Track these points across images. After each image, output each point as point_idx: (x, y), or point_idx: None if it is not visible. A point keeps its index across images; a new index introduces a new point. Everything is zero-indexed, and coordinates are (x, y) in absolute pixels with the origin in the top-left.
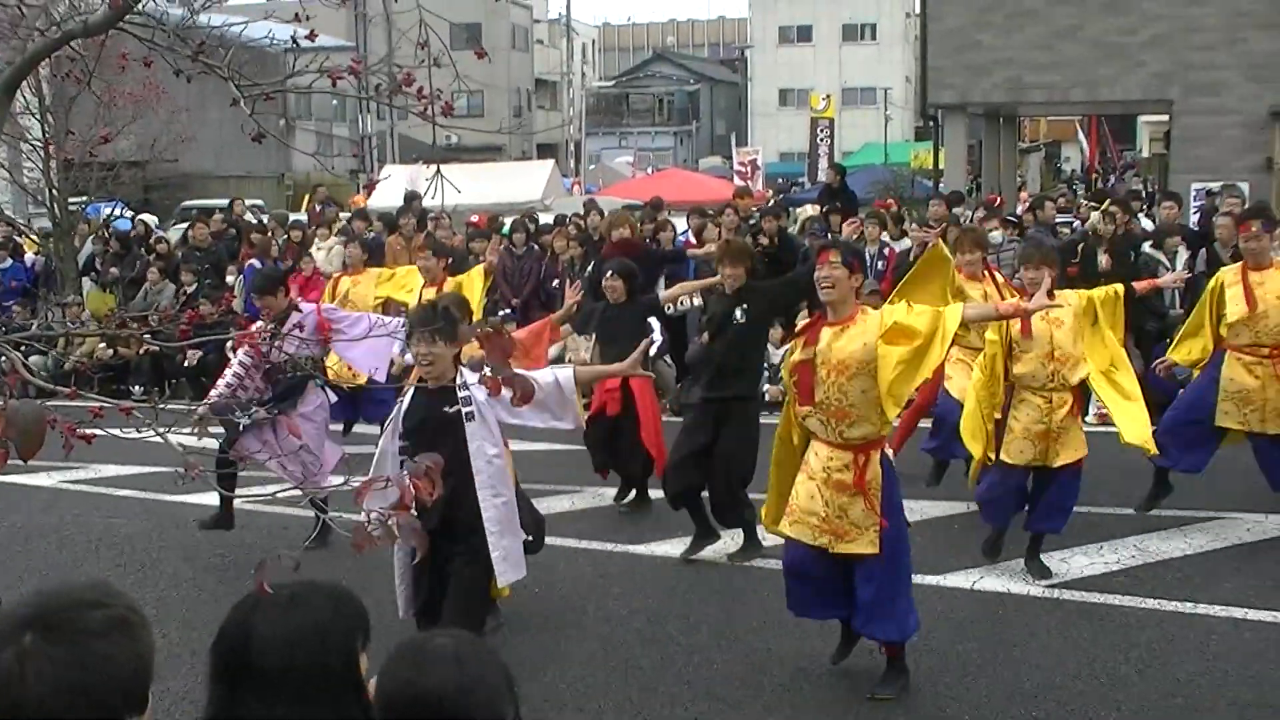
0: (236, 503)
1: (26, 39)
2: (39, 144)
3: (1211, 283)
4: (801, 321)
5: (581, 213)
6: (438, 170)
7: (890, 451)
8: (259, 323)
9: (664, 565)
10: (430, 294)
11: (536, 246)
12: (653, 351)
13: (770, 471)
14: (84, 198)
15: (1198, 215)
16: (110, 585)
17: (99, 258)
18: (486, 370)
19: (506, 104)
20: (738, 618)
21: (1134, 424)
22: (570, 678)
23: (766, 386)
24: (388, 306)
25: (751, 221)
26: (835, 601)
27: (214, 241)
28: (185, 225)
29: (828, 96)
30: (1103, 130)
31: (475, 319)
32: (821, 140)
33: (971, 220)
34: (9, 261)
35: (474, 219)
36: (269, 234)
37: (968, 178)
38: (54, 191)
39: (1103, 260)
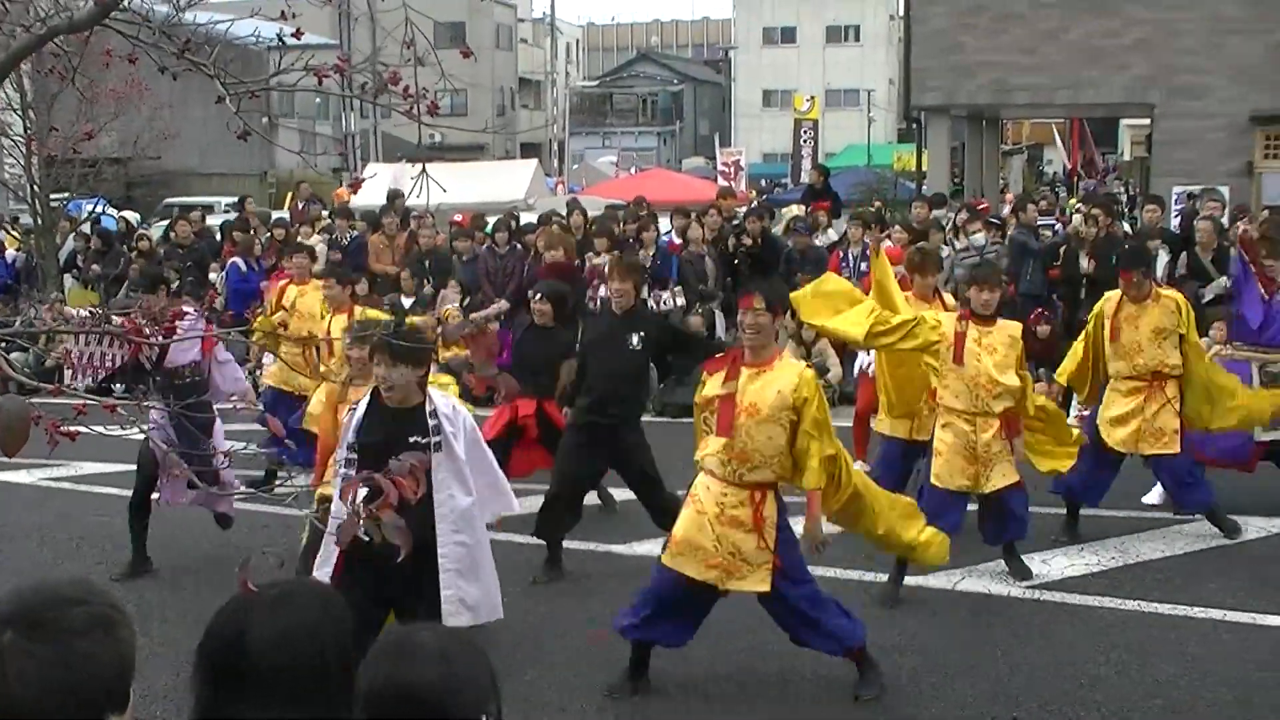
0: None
1: (10, 34)
2: (20, 140)
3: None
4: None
5: (564, 212)
6: (423, 169)
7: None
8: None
9: (645, 564)
10: (340, 321)
11: (519, 246)
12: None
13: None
14: (66, 194)
15: (1178, 219)
16: (92, 583)
17: (80, 254)
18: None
19: (490, 103)
20: (720, 616)
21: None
22: (553, 678)
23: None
24: None
25: (735, 222)
26: (687, 631)
27: (196, 239)
28: (166, 222)
29: (811, 98)
30: (1085, 133)
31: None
32: (805, 142)
33: (955, 222)
34: None
35: (457, 218)
36: (252, 232)
37: (951, 180)
38: (35, 188)
39: (1085, 263)
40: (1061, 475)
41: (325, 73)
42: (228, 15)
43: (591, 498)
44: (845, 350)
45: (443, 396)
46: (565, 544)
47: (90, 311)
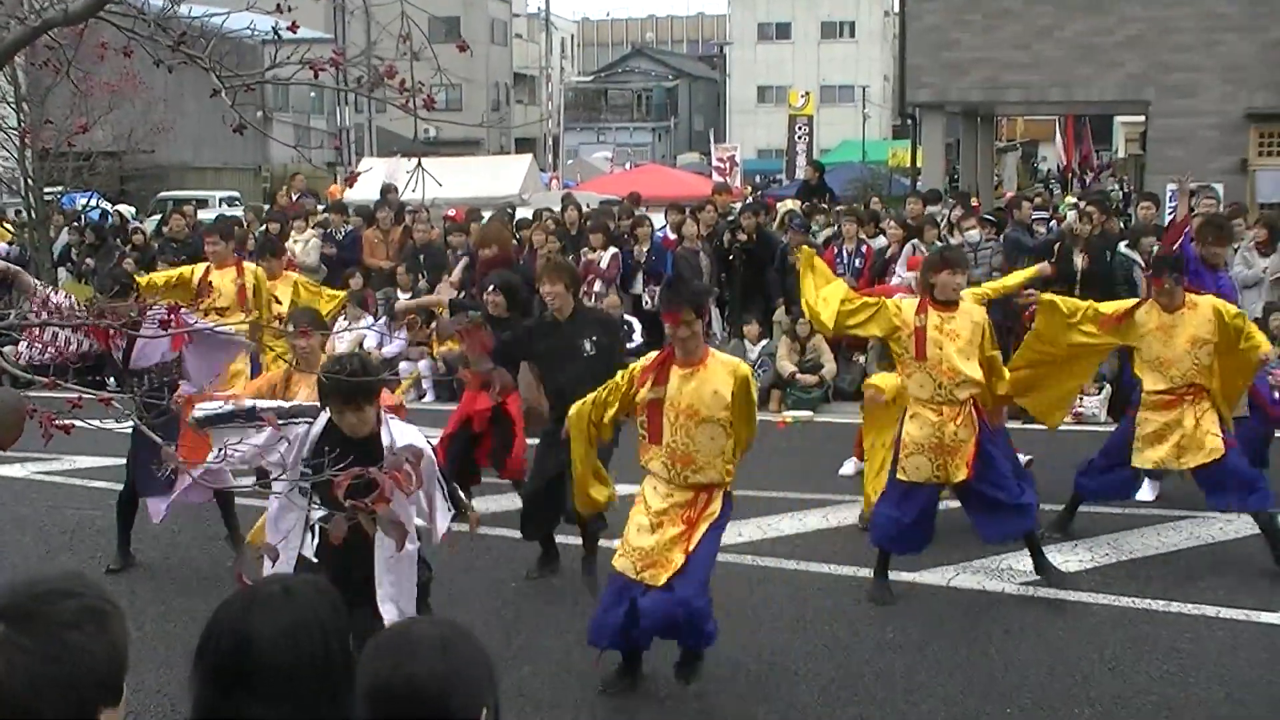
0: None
1: (4, 27)
2: (14, 133)
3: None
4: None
5: (559, 208)
6: (419, 164)
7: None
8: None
9: None
10: (222, 277)
11: (514, 241)
12: (631, 346)
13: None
14: (59, 188)
15: (1172, 216)
16: (83, 576)
17: (75, 248)
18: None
19: (485, 98)
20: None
21: None
22: (544, 674)
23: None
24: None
25: (730, 218)
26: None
27: (190, 233)
28: (158, 216)
29: (806, 94)
30: (1081, 130)
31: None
32: (800, 138)
33: (949, 218)
34: None
35: (451, 213)
36: (245, 226)
37: (948, 177)
38: (29, 181)
39: (1079, 260)
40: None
41: (321, 66)
42: (223, 8)
43: None
44: (840, 346)
45: (402, 428)
46: (559, 539)
47: (86, 304)
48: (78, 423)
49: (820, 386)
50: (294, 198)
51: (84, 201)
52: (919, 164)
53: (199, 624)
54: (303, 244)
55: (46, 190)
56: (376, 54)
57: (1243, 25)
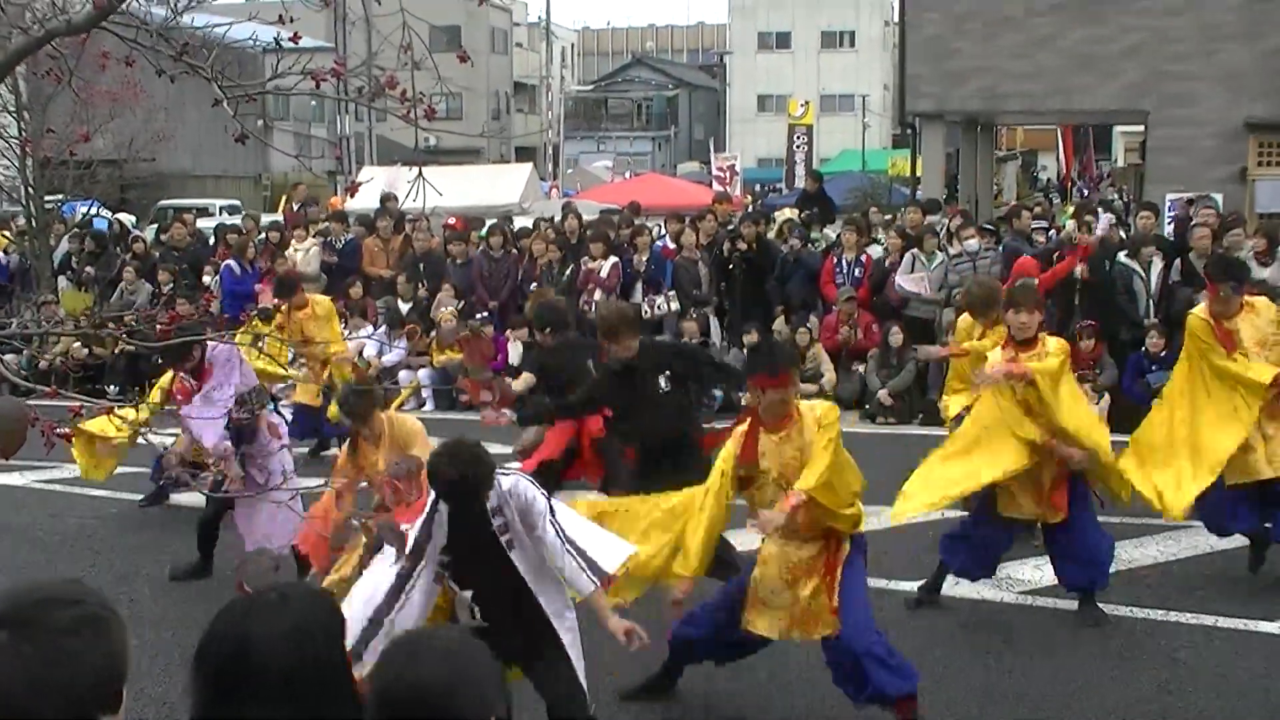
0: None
1: (7, 37)
2: (15, 142)
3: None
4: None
5: (559, 216)
6: (419, 173)
7: None
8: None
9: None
10: None
11: (514, 250)
12: None
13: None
14: (60, 196)
15: (1172, 225)
16: (82, 583)
17: (75, 256)
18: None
19: (485, 107)
20: None
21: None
22: None
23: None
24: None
25: (730, 227)
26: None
27: (192, 241)
28: (155, 225)
29: (806, 103)
30: (1081, 139)
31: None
32: (799, 147)
33: (948, 228)
34: None
35: (451, 221)
36: (245, 234)
37: (944, 187)
38: (30, 189)
39: (1079, 270)
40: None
41: (322, 76)
42: (225, 18)
43: None
44: (839, 356)
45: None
46: None
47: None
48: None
49: (820, 396)
50: (295, 207)
51: (84, 210)
52: (919, 173)
53: (199, 632)
54: (303, 253)
55: (47, 198)
56: (378, 64)
57: (1241, 34)
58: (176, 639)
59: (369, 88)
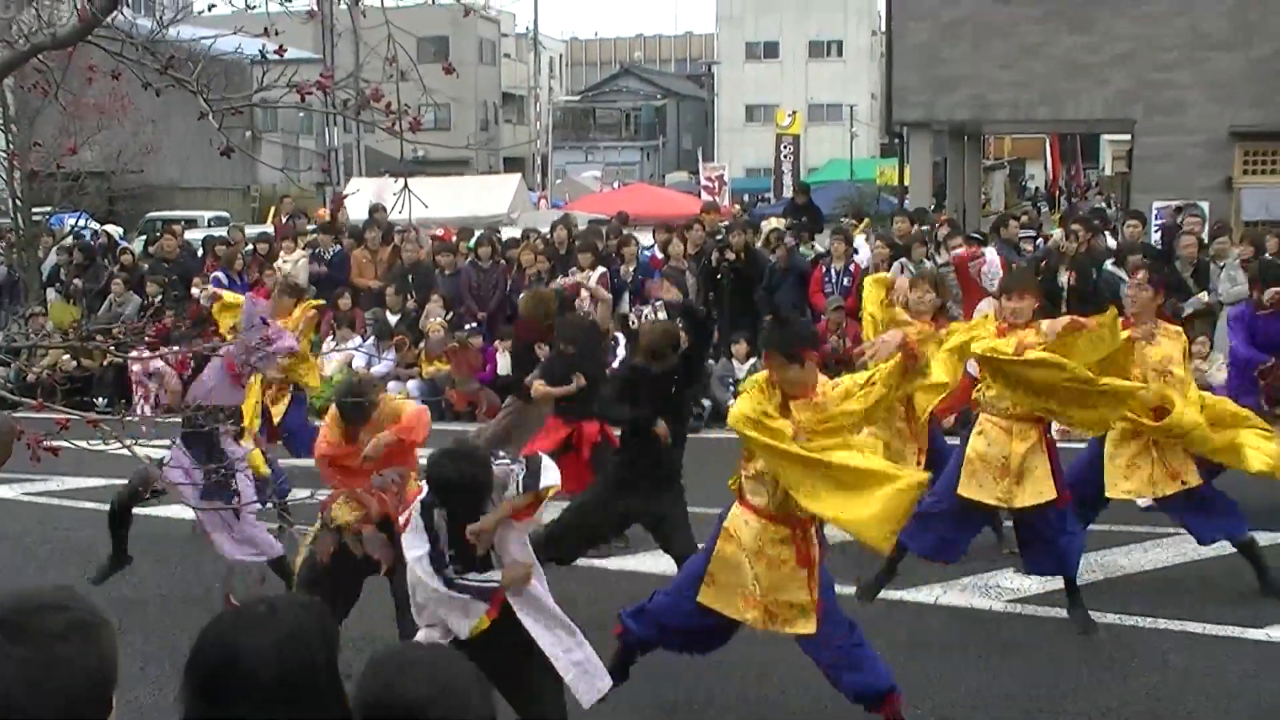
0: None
1: None
2: (3, 154)
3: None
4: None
5: (548, 228)
6: (405, 185)
7: None
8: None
9: (630, 579)
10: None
11: (502, 261)
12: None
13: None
14: (48, 208)
15: (1159, 233)
16: (73, 590)
17: (63, 268)
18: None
19: (473, 118)
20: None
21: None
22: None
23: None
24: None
25: (718, 237)
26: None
27: (180, 253)
28: (144, 237)
29: (794, 113)
30: (1068, 148)
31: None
32: (785, 157)
33: (935, 236)
34: None
35: (439, 232)
36: (233, 245)
37: (932, 195)
38: (17, 202)
39: (1065, 278)
40: None
41: (308, 89)
42: (211, 31)
43: None
44: (828, 365)
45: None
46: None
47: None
48: (65, 444)
49: None
50: (284, 219)
51: (73, 222)
52: (907, 182)
53: (189, 640)
54: (292, 264)
55: (35, 211)
56: (365, 76)
57: (1228, 43)
58: (166, 647)
59: (354, 100)
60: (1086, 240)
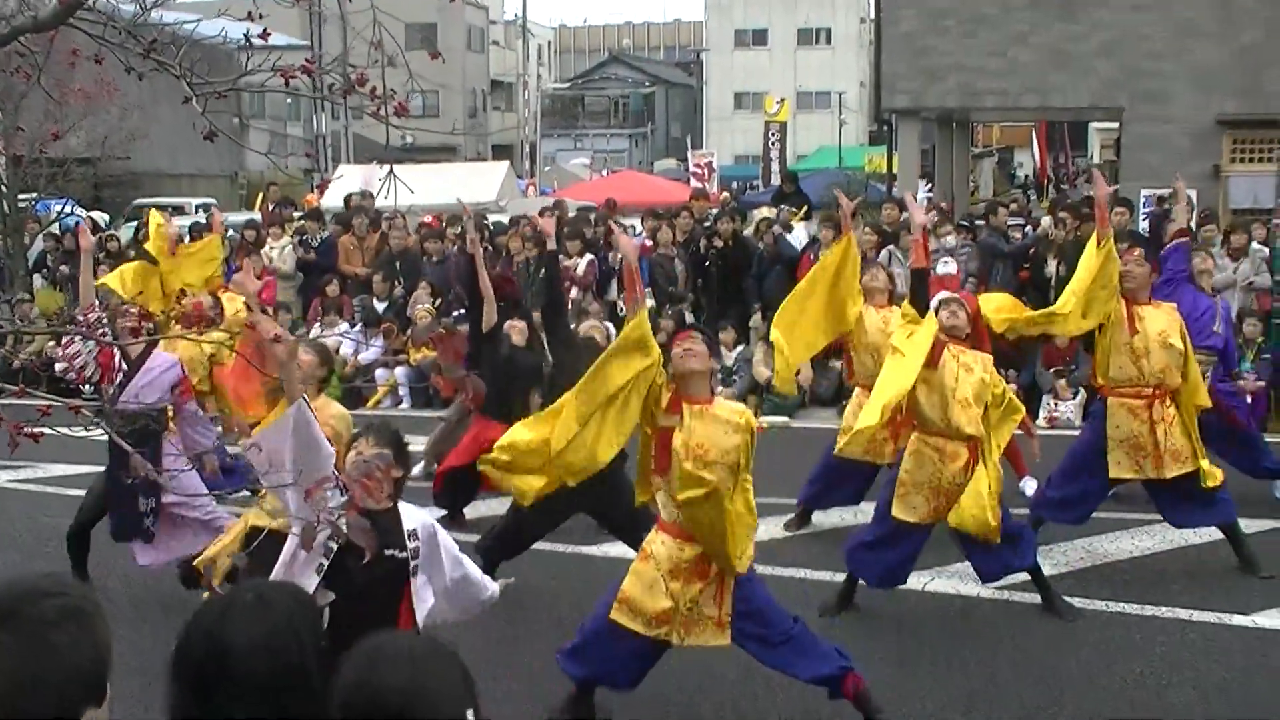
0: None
1: None
2: None
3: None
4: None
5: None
6: (390, 171)
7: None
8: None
9: (616, 566)
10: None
11: (490, 248)
12: None
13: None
14: (34, 194)
15: (1146, 221)
16: (64, 576)
17: (50, 255)
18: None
19: (462, 105)
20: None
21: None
22: (523, 679)
23: (720, 389)
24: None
25: (706, 224)
26: (634, 678)
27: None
28: (135, 223)
29: (782, 100)
30: (1055, 136)
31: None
32: (773, 144)
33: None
34: None
35: (427, 219)
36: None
37: (921, 183)
38: (3, 188)
39: (1053, 266)
40: None
41: (292, 74)
42: (194, 15)
43: None
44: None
45: (416, 512)
46: (537, 546)
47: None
48: (47, 430)
49: (799, 393)
50: (270, 207)
51: (59, 208)
52: (895, 170)
53: (179, 629)
54: (279, 250)
55: (21, 197)
56: (351, 62)
57: (1214, 32)
58: (156, 636)
59: (339, 85)
60: (1075, 228)
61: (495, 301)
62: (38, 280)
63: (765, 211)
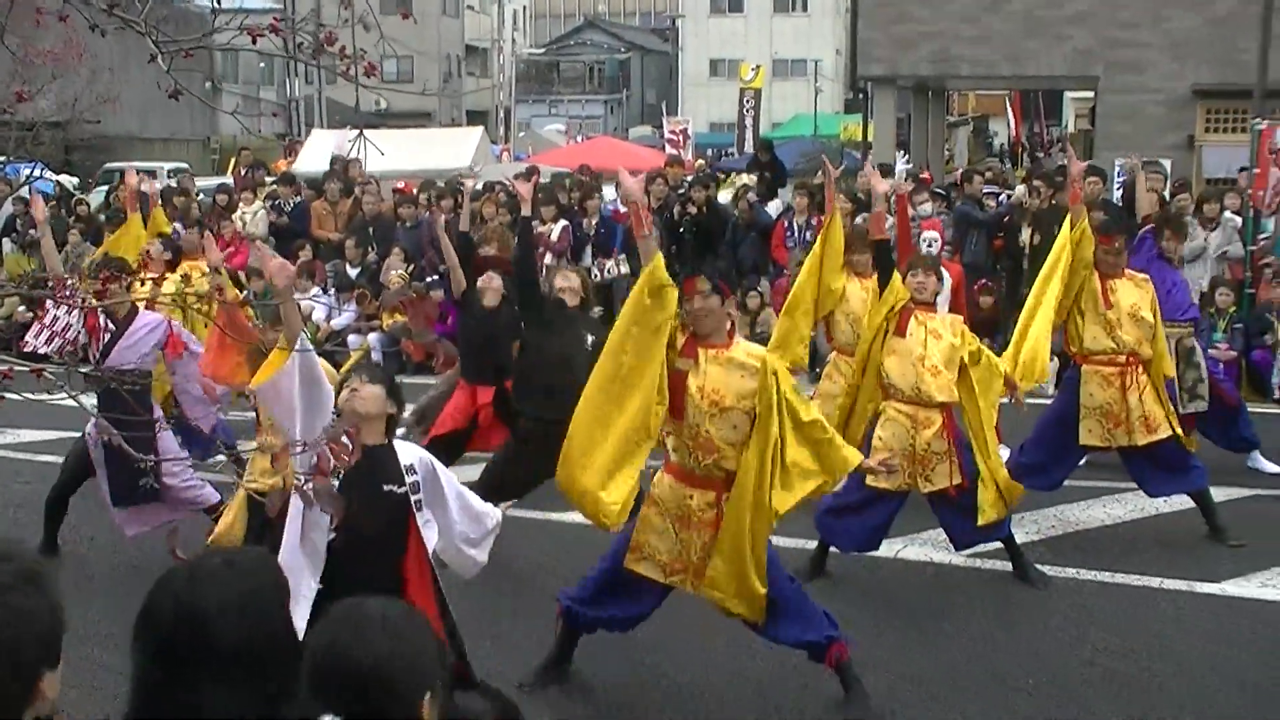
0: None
1: None
2: None
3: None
4: None
5: (510, 179)
6: (360, 133)
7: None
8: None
9: (588, 533)
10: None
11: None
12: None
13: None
14: (2, 158)
15: (1120, 191)
16: (13, 541)
17: (19, 219)
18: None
19: (437, 70)
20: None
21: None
22: (504, 647)
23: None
24: None
25: (680, 191)
26: (636, 619)
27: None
28: (107, 188)
29: (757, 67)
30: (1029, 105)
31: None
32: (747, 112)
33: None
34: None
35: (400, 185)
36: (188, 194)
37: (899, 155)
38: None
39: (1027, 234)
40: None
41: (260, 32)
42: None
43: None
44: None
45: (411, 448)
46: (531, 515)
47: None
48: (11, 395)
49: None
50: (243, 172)
51: (28, 172)
52: (870, 138)
53: (143, 597)
54: (251, 215)
55: None
56: (321, 22)
57: (1189, 2)
58: (123, 606)
59: (308, 44)
60: (1049, 197)
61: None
62: (6, 245)
63: (744, 178)
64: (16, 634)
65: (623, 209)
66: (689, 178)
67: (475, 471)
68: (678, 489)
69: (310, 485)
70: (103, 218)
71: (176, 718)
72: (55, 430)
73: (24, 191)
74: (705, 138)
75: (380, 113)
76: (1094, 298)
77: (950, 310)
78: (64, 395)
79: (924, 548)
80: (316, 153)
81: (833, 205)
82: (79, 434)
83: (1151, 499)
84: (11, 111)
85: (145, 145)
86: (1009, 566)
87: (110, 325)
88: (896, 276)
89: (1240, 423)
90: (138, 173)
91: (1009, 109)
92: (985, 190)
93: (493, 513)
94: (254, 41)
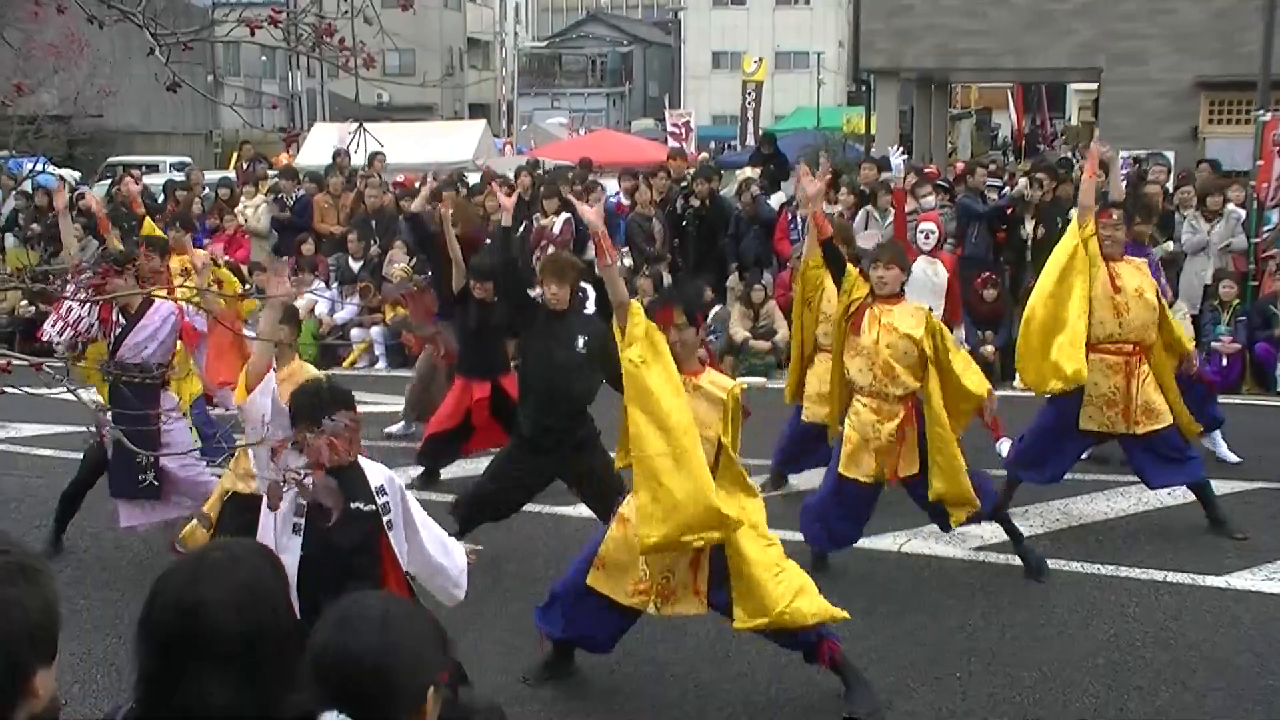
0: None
1: None
2: None
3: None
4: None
5: (513, 173)
6: (360, 125)
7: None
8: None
9: (590, 526)
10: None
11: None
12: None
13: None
14: (5, 152)
15: (1124, 183)
16: (8, 535)
17: (21, 213)
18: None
19: (439, 63)
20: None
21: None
22: (499, 640)
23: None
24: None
25: (683, 184)
26: (609, 641)
27: (141, 198)
28: (109, 182)
29: (760, 60)
30: (1032, 97)
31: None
32: (749, 104)
33: (903, 185)
34: None
35: (401, 178)
36: (191, 190)
37: (899, 144)
38: None
39: (1029, 227)
40: None
41: (258, 24)
42: None
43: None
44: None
45: (381, 469)
46: (544, 509)
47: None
48: (10, 389)
49: (773, 353)
50: (245, 165)
51: (30, 166)
52: (873, 131)
53: (146, 592)
54: (253, 209)
55: None
56: (320, 14)
57: None
58: (123, 601)
59: (308, 36)
60: (1052, 189)
61: (463, 261)
62: (9, 239)
63: (748, 171)
64: (9, 629)
65: (625, 201)
66: (691, 170)
67: (476, 470)
68: None
69: (309, 479)
70: (105, 211)
71: (181, 711)
72: (54, 424)
73: (27, 186)
74: (707, 130)
75: (382, 106)
76: (1102, 282)
77: (946, 302)
78: (63, 389)
79: (927, 541)
80: (320, 147)
81: (825, 228)
82: (77, 428)
83: (1154, 492)
84: (12, 104)
85: (147, 139)
86: (1012, 560)
87: (121, 320)
88: (851, 272)
89: (1212, 402)
90: (129, 171)
91: (1011, 102)
92: (988, 183)
93: (462, 549)
94: (253, 33)
